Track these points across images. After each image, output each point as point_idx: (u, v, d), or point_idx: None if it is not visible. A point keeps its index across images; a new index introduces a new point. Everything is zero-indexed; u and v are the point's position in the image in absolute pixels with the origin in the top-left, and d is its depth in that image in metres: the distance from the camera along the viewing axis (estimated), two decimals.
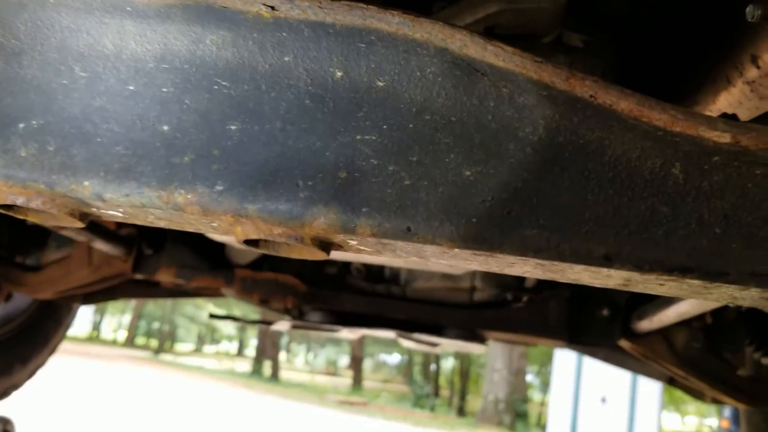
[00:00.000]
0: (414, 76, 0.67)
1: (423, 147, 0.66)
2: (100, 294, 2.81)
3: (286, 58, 0.68)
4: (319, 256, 0.70)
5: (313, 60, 0.68)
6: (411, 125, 0.67)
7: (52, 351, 3.18)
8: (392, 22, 0.63)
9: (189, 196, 0.67)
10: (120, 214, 0.73)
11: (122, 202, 0.69)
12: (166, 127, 0.69)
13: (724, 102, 1.19)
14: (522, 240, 0.62)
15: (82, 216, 0.73)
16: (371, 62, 0.67)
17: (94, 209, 0.72)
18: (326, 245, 0.68)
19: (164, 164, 0.68)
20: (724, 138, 0.59)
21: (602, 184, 0.62)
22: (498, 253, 0.63)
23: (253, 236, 0.67)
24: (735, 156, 0.60)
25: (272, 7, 0.64)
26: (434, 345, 2.34)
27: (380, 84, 0.67)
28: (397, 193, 0.65)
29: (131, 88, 0.70)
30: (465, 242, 0.63)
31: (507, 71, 0.62)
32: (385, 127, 0.67)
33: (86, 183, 0.69)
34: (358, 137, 0.67)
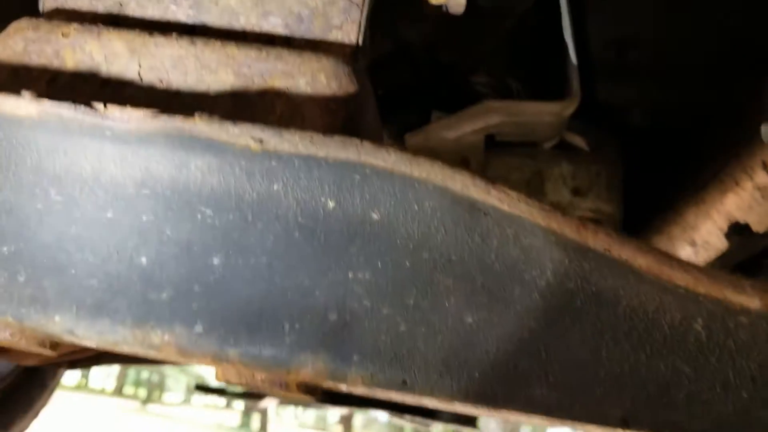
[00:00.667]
0: (411, 209, 0.62)
1: (420, 288, 0.61)
2: (86, 360, 2.73)
3: (275, 187, 0.63)
4: (305, 400, 0.64)
5: (303, 189, 0.63)
6: (408, 263, 0.62)
7: (36, 415, 3.08)
8: (388, 160, 0.59)
9: (165, 337, 0.62)
10: (94, 346, 0.67)
11: (95, 338, 0.63)
12: (144, 260, 0.64)
13: (732, 204, 1.15)
14: (530, 399, 0.57)
15: (53, 345, 0.68)
16: (366, 193, 0.62)
17: (65, 340, 0.66)
18: (314, 390, 0.62)
19: (141, 301, 0.63)
20: (753, 303, 0.54)
21: (618, 338, 0.57)
22: (503, 410, 0.58)
23: (234, 381, 0.62)
24: (764, 316, 0.55)
25: (260, 140, 0.60)
26: (427, 425, 2.27)
27: (375, 217, 0.63)
28: (391, 340, 0.60)
29: (109, 215, 0.65)
30: (466, 398, 0.58)
31: (512, 215, 0.58)
32: (379, 264, 0.62)
33: (57, 318, 0.63)
34: (350, 275, 0.62)
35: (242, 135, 0.60)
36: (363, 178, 0.62)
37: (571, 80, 0.80)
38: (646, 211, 1.39)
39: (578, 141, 1.03)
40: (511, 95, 0.98)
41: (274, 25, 0.73)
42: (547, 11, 1.09)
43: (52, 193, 0.66)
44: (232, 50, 0.69)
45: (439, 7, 0.86)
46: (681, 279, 0.55)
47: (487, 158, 0.96)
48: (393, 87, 0.98)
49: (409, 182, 0.61)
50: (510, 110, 0.83)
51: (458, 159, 0.95)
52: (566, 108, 0.80)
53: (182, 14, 0.75)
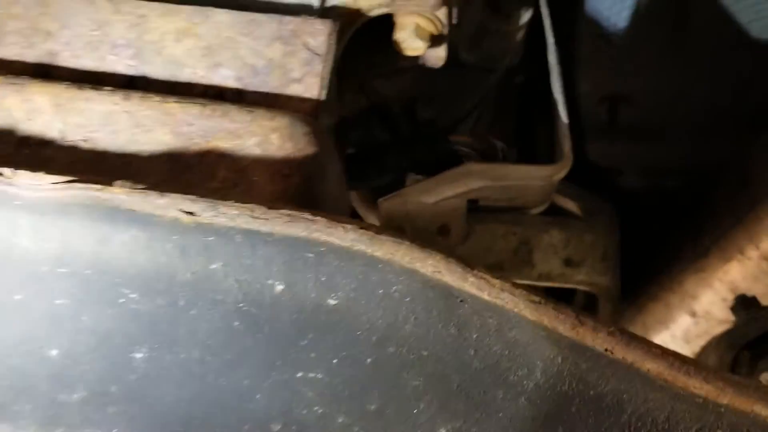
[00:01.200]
0: (375, 294, 0.52)
1: (384, 391, 0.51)
2: None
3: (213, 266, 0.53)
4: None
5: (246, 269, 0.53)
6: (370, 360, 0.51)
7: None
8: (346, 238, 0.49)
9: None
10: None
11: None
12: (55, 352, 0.53)
13: (736, 274, 1.06)
14: None
15: None
16: (320, 275, 0.52)
17: None
18: None
19: (49, 403, 0.52)
20: None
21: None
22: None
23: None
24: None
25: (191, 213, 0.50)
26: None
27: (331, 303, 0.52)
28: None
29: (18, 297, 0.55)
30: None
31: (493, 305, 0.48)
32: (335, 361, 0.51)
33: None
34: (299, 375, 0.51)
35: (169, 206, 0.50)
36: (317, 256, 0.52)
37: (562, 141, 0.71)
38: (639, 275, 1.31)
39: (570, 206, 0.94)
40: (495, 157, 0.89)
41: (225, 77, 0.64)
42: (535, 67, 1.01)
43: None
44: (172, 106, 0.59)
45: (416, 58, 0.78)
46: (700, 388, 0.45)
47: (470, 225, 0.87)
48: (366, 145, 0.89)
49: (373, 263, 0.51)
50: (494, 173, 0.74)
51: (437, 225, 0.85)
52: (557, 172, 0.72)
53: (121, 65, 0.66)
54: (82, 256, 0.54)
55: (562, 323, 0.46)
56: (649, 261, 1.34)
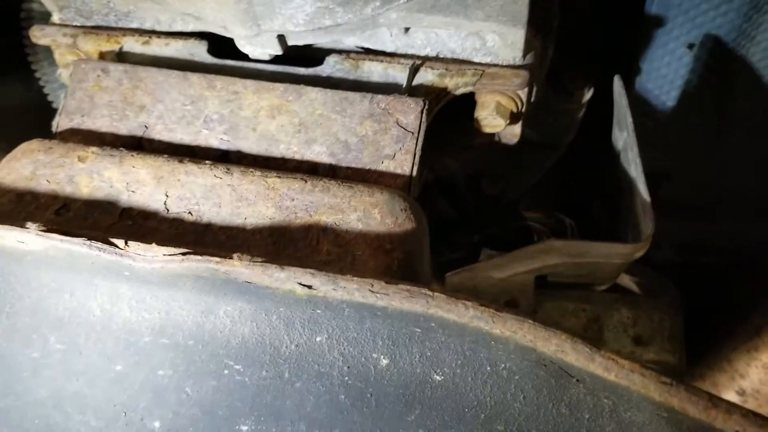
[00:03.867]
0: (483, 371, 0.51)
1: None
2: None
3: (318, 339, 0.53)
4: None
5: (352, 342, 0.53)
6: None
7: None
8: (465, 315, 0.49)
9: None
10: None
11: None
12: (157, 424, 0.53)
13: None
14: None
15: None
16: (427, 350, 0.52)
17: None
18: None
19: None
20: None
21: None
22: None
23: None
24: None
25: (308, 286, 0.50)
26: None
27: (437, 378, 0.52)
28: None
29: (118, 368, 0.55)
30: None
31: (616, 385, 0.47)
32: None
33: None
34: None
35: (289, 279, 0.50)
36: (425, 331, 0.52)
37: (643, 220, 0.71)
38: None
39: (632, 284, 0.94)
40: (565, 232, 0.90)
41: (318, 153, 0.66)
42: (592, 143, 1.03)
43: (51, 340, 0.56)
44: (274, 181, 0.60)
45: (492, 135, 0.79)
46: None
47: (538, 300, 0.86)
48: (434, 220, 0.90)
49: (483, 339, 0.51)
50: (575, 250, 0.74)
51: (504, 300, 0.85)
52: (638, 251, 0.72)
53: (215, 139, 0.67)
54: (185, 326, 0.54)
55: (694, 405, 0.45)
56: (694, 339, 1.33)
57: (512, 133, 0.79)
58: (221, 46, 0.75)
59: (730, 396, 1.29)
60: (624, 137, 0.85)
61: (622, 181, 0.83)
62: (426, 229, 0.62)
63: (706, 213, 1.28)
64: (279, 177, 0.61)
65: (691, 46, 1.05)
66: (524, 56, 0.72)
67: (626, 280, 0.96)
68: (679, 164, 1.20)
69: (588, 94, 0.95)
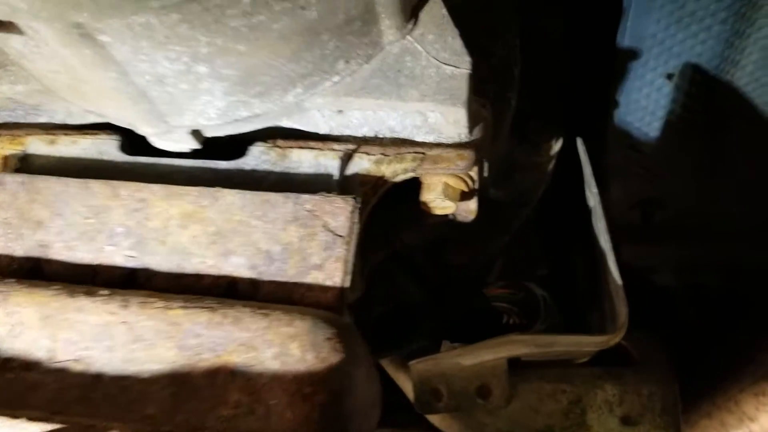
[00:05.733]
0: None
1: None
2: None
3: None
4: None
5: None
6: None
7: None
8: None
9: None
10: None
11: None
12: None
13: None
14: None
15: None
16: None
17: None
18: None
19: None
20: None
21: None
22: None
23: None
24: None
25: None
26: None
27: None
28: None
29: None
30: None
31: None
32: None
33: None
34: None
35: None
36: None
37: (618, 307, 0.63)
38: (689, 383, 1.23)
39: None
40: (537, 306, 0.81)
41: (237, 266, 0.57)
42: (568, 196, 0.95)
43: None
44: (176, 314, 0.52)
45: (445, 216, 0.71)
46: None
47: (513, 384, 0.78)
48: (393, 300, 0.82)
49: None
50: (541, 342, 0.66)
51: (476, 386, 0.77)
52: (611, 340, 0.63)
53: (120, 256, 0.59)
54: None
55: None
56: (700, 373, 1.28)
57: (467, 210, 0.70)
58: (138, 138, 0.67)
59: None
60: (594, 199, 0.77)
61: (595, 246, 0.75)
62: (361, 353, 0.54)
63: (701, 235, 1.22)
64: (183, 308, 0.53)
65: (670, 76, 0.97)
66: (470, 131, 0.63)
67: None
68: (668, 191, 1.14)
69: (557, 146, 0.86)
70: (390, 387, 0.85)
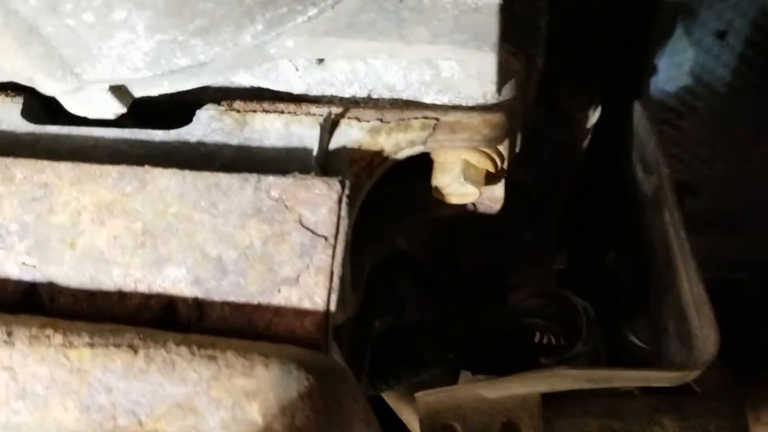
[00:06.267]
0: None
1: None
2: None
3: None
4: None
5: None
6: None
7: None
8: None
9: None
10: None
11: None
12: None
13: None
14: None
15: None
16: None
17: None
18: None
19: None
20: None
21: None
22: None
23: None
24: None
25: None
26: None
27: None
28: None
29: None
30: None
31: None
32: None
33: None
34: None
35: None
36: None
37: (694, 326, 0.46)
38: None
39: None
40: (576, 319, 0.64)
41: (175, 281, 0.40)
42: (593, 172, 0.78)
43: None
44: (79, 354, 0.35)
45: (463, 206, 0.53)
46: None
47: (546, 419, 0.61)
48: (390, 314, 0.64)
49: None
50: (596, 376, 0.49)
51: (500, 422, 0.60)
52: (689, 375, 0.46)
53: (14, 265, 0.42)
54: None
55: None
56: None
57: (492, 198, 0.54)
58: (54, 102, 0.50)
59: None
60: (653, 183, 0.60)
61: (656, 243, 0.58)
62: (355, 411, 0.37)
63: (735, 227, 1.13)
64: (90, 346, 0.35)
65: (721, 35, 0.86)
66: (499, 90, 0.46)
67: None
68: (706, 175, 1.04)
69: (594, 116, 0.69)
70: (390, 421, 0.69)
